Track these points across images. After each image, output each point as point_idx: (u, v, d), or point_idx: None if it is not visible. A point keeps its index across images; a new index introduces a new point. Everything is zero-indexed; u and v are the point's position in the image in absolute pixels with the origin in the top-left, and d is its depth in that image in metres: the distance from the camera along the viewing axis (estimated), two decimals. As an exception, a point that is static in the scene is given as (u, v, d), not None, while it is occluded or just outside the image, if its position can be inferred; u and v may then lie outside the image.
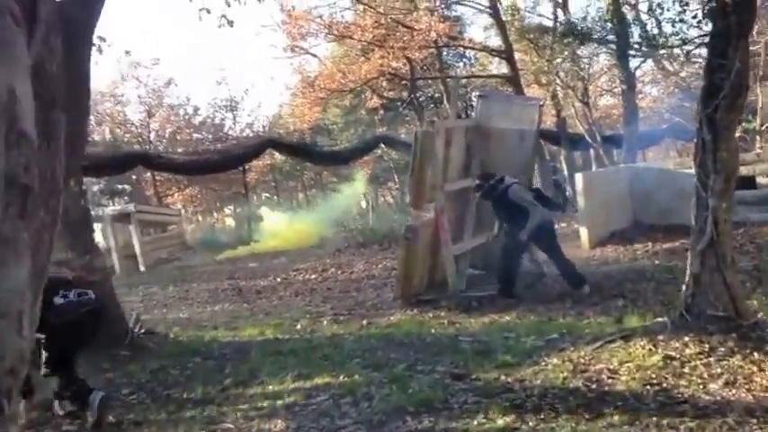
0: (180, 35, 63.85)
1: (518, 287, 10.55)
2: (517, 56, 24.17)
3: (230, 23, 12.22)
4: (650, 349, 6.04)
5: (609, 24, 21.04)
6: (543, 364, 6.32)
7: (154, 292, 16.35)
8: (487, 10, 25.30)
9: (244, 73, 45.68)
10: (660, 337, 6.23)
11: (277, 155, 38.21)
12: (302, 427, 5.64)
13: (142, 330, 9.42)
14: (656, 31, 20.27)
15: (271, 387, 6.87)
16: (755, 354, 5.69)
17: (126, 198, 38.45)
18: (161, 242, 27.99)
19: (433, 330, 8.70)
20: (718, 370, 5.51)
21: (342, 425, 5.56)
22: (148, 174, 38.22)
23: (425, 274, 11.47)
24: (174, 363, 8.19)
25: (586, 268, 11.69)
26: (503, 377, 6.10)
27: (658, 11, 17.07)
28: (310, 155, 33.83)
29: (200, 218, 51.44)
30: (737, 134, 8.16)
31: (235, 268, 19.77)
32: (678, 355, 5.82)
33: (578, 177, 14.47)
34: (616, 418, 4.90)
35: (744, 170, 14.70)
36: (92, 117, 40.98)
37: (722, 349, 5.84)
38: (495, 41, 27.49)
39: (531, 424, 5.01)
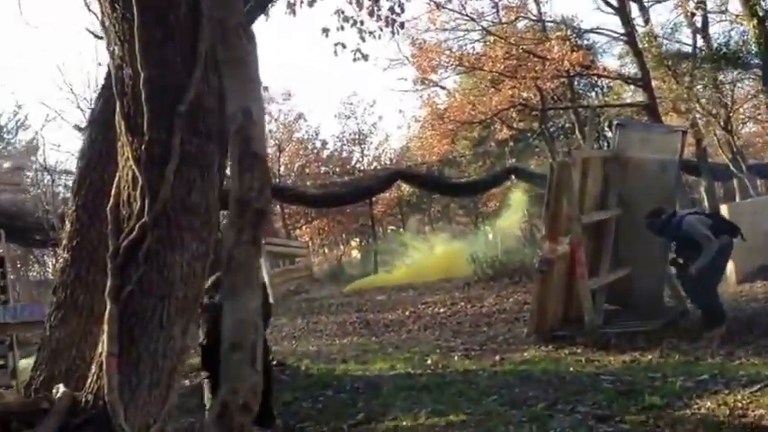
0: (310, 65, 65.29)
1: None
2: (654, 83, 23.36)
3: (365, 57, 12.29)
4: (818, 394, 5.53)
5: (754, 48, 20.11)
6: (695, 407, 5.89)
7: (283, 324, 16.44)
8: (623, 37, 24.63)
9: (371, 105, 46.37)
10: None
11: (404, 187, 38.37)
12: (438, 467, 5.42)
13: (274, 362, 9.42)
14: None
15: (404, 423, 6.69)
16: None
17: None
18: (289, 274, 28.36)
19: (570, 368, 8.32)
20: None
21: (479, 466, 5.32)
22: (277, 206, 38.97)
23: (560, 309, 11.07)
24: (306, 395, 8.14)
25: (734, 305, 11.06)
26: (651, 420, 5.70)
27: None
28: (439, 186, 33.79)
29: (326, 250, 52.03)
30: None
31: (362, 301, 19.75)
32: None
33: (724, 209, 13.76)
34: (785, 469, 4.47)
35: None
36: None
37: None
38: (631, 69, 26.76)
39: (687, 474, 4.63)
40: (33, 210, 22.22)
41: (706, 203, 27.00)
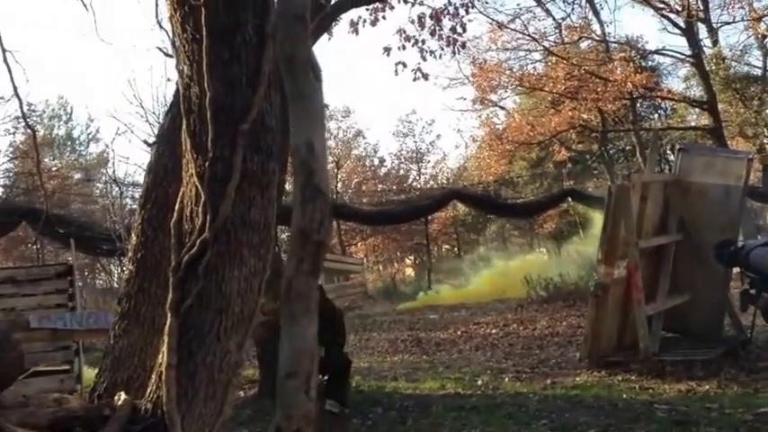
0: (370, 82, 65.76)
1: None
2: (720, 106, 22.88)
3: (425, 77, 12.34)
4: None
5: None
6: (755, 441, 5.68)
7: (336, 340, 16.41)
8: (689, 59, 24.22)
9: (430, 124, 46.35)
10: None
11: (460, 207, 38.24)
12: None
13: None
14: None
15: (452, 444, 6.59)
16: None
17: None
18: (344, 290, 28.45)
19: (624, 395, 8.11)
20: None
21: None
22: (333, 223, 39.16)
23: (614, 335, 10.83)
24: (357, 412, 8.10)
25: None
26: (707, 453, 5.52)
27: None
28: (495, 207, 33.62)
29: (380, 267, 52.09)
30: None
31: (414, 319, 19.70)
32: None
33: (793, 237, 13.40)
34: None
35: None
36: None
37: None
38: (696, 92, 26.30)
39: None
40: (101, 220, 22.75)
41: (771, 231, 26.41)
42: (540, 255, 30.75)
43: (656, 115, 32.20)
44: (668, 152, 29.23)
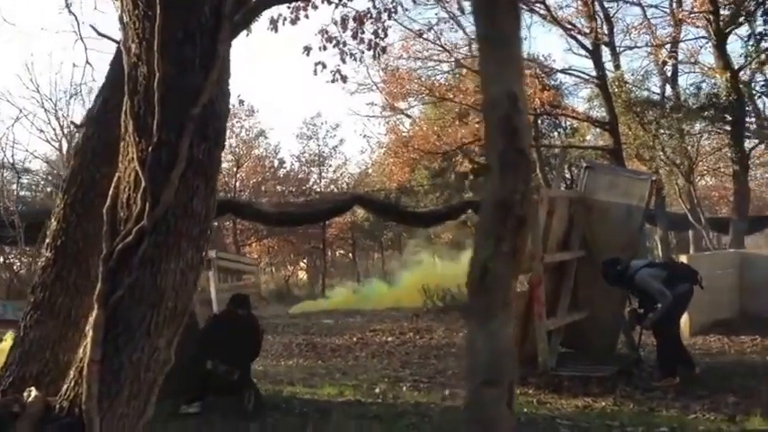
0: (276, 84, 65.06)
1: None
2: (620, 128, 23.49)
3: (344, 79, 12.26)
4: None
5: (724, 101, 20.41)
6: (656, 461, 5.67)
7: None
8: (594, 80, 24.79)
9: (334, 128, 45.95)
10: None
11: (359, 212, 38.17)
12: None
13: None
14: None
15: (355, 454, 6.40)
16: None
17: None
18: (236, 291, 27.88)
19: (524, 409, 8.08)
20: None
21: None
22: (229, 222, 38.61)
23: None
24: (255, 415, 7.81)
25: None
26: (612, 472, 5.48)
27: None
28: (398, 214, 33.64)
29: (274, 269, 51.62)
30: None
31: (309, 323, 19.48)
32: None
33: (683, 259, 13.74)
34: None
35: None
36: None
37: None
38: (598, 112, 26.92)
39: None
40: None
41: (659, 252, 27.20)
42: (436, 265, 30.75)
43: (557, 133, 32.82)
44: (566, 170, 29.88)
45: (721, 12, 21.47)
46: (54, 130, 32.50)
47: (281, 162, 45.80)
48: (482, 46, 1.86)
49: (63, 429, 3.28)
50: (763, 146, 26.21)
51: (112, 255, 3.37)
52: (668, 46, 24.84)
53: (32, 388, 3.66)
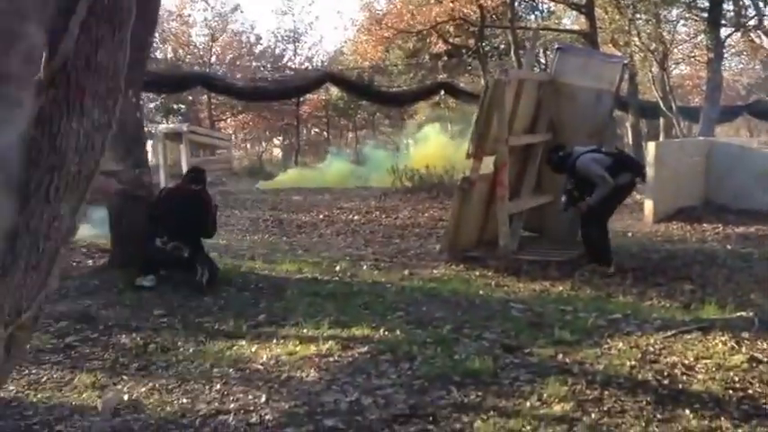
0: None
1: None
2: (597, 12, 22.98)
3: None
4: (732, 347, 5.33)
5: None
6: (606, 347, 5.66)
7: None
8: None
9: (310, 4, 44.55)
10: (744, 335, 5.54)
11: (333, 91, 37.70)
12: (336, 381, 5.11)
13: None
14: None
15: (305, 330, 6.36)
16: None
17: (180, 117, 38.26)
18: (208, 165, 27.48)
19: (480, 291, 8.08)
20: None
21: (379, 384, 5.02)
22: (204, 96, 38.03)
23: (476, 230, 10.84)
24: (209, 290, 7.74)
25: (648, 244, 11.04)
26: (560, 356, 5.47)
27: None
28: (369, 94, 33.23)
29: (248, 145, 51.20)
30: None
31: (277, 199, 19.27)
32: (766, 359, 5.13)
33: (650, 146, 13.69)
34: (693, 422, 4.27)
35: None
36: (156, 34, 41.14)
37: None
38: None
39: (593, 416, 4.40)
40: None
41: (629, 140, 27.18)
42: (407, 145, 30.48)
43: (533, 16, 32.22)
44: (541, 54, 29.41)
45: None
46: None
47: (258, 38, 44.87)
48: None
49: None
50: (738, 34, 25.83)
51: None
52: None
53: None
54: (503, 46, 32.94)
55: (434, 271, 9.60)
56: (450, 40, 32.42)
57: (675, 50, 27.11)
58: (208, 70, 37.18)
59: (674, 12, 23.20)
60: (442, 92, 33.37)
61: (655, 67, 22.76)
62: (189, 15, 41.23)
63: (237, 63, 41.91)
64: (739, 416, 4.35)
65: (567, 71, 11.07)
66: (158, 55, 38.41)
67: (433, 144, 24.71)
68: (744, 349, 5.28)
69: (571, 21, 31.52)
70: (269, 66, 42.22)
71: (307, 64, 43.82)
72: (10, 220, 2.81)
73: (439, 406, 4.64)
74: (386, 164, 22.30)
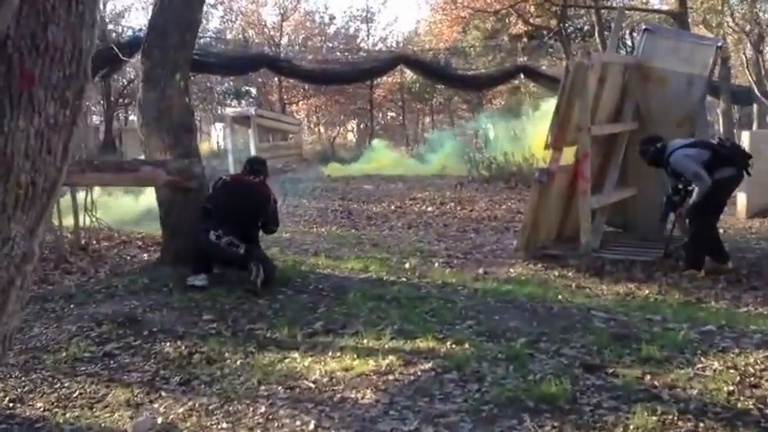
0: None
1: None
2: (687, -10, 21.92)
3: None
4: None
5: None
6: (700, 366, 5.05)
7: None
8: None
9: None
10: None
11: (408, 73, 37.02)
12: (395, 405, 4.62)
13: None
14: None
15: (365, 341, 5.88)
16: None
17: (250, 101, 38.08)
18: (278, 150, 27.38)
19: (559, 296, 7.45)
20: None
21: (443, 410, 4.51)
22: (275, 79, 37.70)
23: (555, 226, 10.21)
24: (264, 290, 7.32)
25: (741, 242, 10.26)
26: (648, 377, 4.88)
27: None
28: (443, 76, 32.46)
29: (321, 129, 50.94)
30: None
31: (348, 188, 18.87)
32: None
33: (744, 135, 12.76)
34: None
35: None
36: (224, 14, 40.90)
37: None
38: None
39: (687, 455, 3.81)
40: None
41: (720, 127, 25.88)
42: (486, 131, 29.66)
43: (619, -6, 31.02)
44: (627, 36, 28.27)
45: None
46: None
47: (332, 18, 44.45)
48: None
49: None
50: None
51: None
52: None
53: None
54: (586, 27, 31.91)
55: (510, 270, 9.07)
56: (531, 21, 31.46)
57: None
58: (279, 51, 36.72)
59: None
60: (522, 75, 32.42)
61: (749, 50, 21.53)
62: (259, -7, 40.85)
63: (309, 43, 41.44)
64: None
65: (655, 54, 10.28)
66: (228, 35, 38.31)
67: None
68: None
69: (660, 0, 30.31)
70: (342, 47, 41.72)
71: (380, 45, 43.26)
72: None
73: (509, 440, 4.11)
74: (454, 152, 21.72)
